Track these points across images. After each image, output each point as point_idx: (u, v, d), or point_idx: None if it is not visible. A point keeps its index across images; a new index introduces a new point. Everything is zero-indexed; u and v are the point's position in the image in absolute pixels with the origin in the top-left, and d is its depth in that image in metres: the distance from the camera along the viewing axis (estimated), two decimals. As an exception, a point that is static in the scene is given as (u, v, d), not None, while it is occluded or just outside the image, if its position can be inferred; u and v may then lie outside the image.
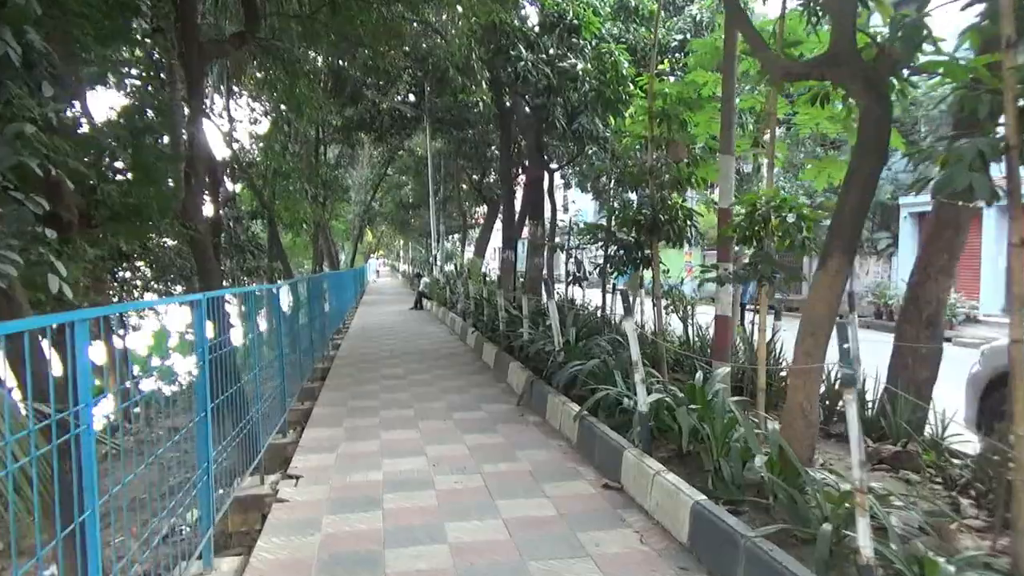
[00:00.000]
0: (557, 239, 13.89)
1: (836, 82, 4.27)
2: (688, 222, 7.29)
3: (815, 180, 7.54)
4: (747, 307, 11.39)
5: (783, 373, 6.73)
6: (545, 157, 13.56)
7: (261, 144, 18.36)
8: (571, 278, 10.65)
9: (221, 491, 5.31)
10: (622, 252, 7.68)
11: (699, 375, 5.47)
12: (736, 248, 11.67)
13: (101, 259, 8.90)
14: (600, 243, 8.16)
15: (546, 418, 6.85)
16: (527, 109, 12.92)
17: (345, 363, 11.28)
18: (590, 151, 11.33)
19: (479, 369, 10.10)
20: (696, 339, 8.48)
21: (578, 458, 5.57)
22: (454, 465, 5.42)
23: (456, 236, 40.03)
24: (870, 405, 5.79)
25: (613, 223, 7.94)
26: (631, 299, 8.58)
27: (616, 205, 8.35)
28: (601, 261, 12.28)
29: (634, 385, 5.02)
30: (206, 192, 8.39)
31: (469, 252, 33.97)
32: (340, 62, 22.33)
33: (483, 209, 33.91)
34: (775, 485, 3.76)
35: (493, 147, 23.74)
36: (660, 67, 8.66)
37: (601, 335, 8.53)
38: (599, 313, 9.90)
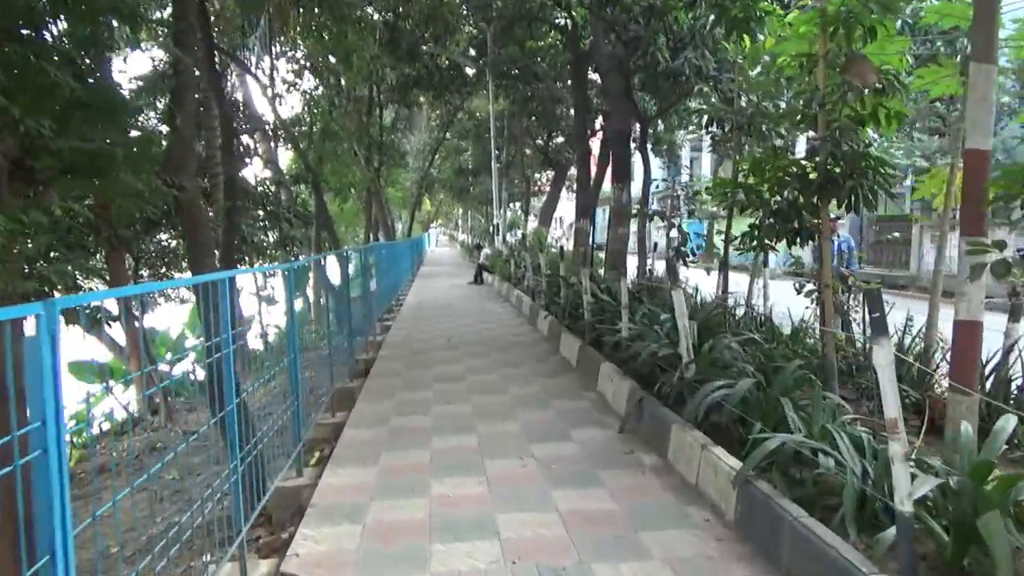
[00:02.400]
0: (654, 205, 11.58)
1: None
2: (879, 176, 4.97)
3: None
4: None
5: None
6: (636, 105, 11.21)
7: (304, 99, 16.49)
8: (672, 254, 8.40)
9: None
10: (771, 219, 5.40)
11: (965, 429, 3.24)
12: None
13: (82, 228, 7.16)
14: (727, 206, 5.91)
15: (668, 459, 4.72)
16: (613, 46, 10.59)
17: (393, 355, 9.35)
18: (701, 91, 9.00)
19: (558, 368, 8.01)
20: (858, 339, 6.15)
21: (747, 553, 3.41)
22: (546, 563, 3.35)
23: (518, 204, 37.88)
24: None
25: (752, 179, 5.66)
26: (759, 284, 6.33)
27: (757, 154, 6.05)
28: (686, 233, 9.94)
29: (884, 458, 2.85)
30: (208, 142, 6.52)
31: (532, 222, 31.89)
32: (394, 14, 20.32)
33: (547, 177, 31.69)
34: None
35: (563, 105, 21.42)
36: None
37: (726, 332, 6.34)
38: (716, 300, 7.68)
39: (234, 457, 3.53)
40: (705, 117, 8.51)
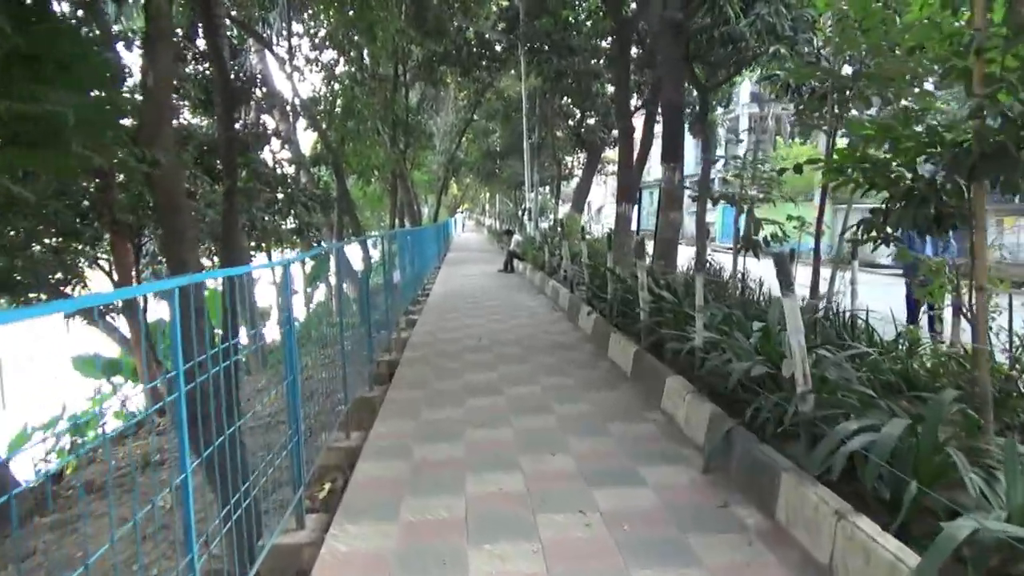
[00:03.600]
0: (716, 187, 10.32)
1: None
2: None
3: None
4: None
5: None
6: (695, 72, 9.93)
7: (325, 75, 15.39)
8: (740, 244, 7.22)
9: None
10: (902, 203, 4.19)
11: None
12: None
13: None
14: (836, 186, 4.69)
15: (777, 519, 3.58)
16: (666, 4, 9.32)
17: (419, 357, 8.29)
18: (776, 53, 7.71)
19: (609, 378, 6.88)
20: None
21: None
22: None
23: (547, 188, 36.55)
24: None
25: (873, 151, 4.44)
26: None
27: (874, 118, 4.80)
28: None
29: None
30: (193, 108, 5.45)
31: (562, 207, 30.71)
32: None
33: (579, 160, 30.41)
34: None
35: (599, 81, 20.12)
36: None
37: (818, 341, 5.18)
38: (808, 302, 6.47)
39: (189, 546, 2.47)
40: (780, 83, 7.29)
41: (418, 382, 6.96)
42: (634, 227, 14.39)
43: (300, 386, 3.90)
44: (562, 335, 9.33)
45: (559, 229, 14.94)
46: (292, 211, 10.65)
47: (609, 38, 18.92)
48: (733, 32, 9.06)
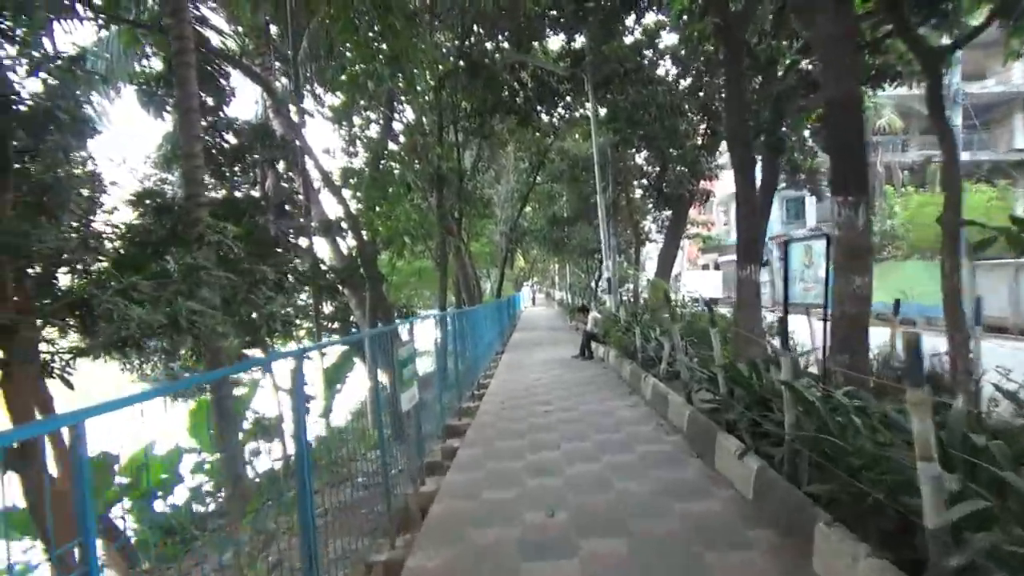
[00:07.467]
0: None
1: None
2: None
3: None
4: None
5: None
6: (909, 26, 6.05)
7: (337, 122, 12.23)
8: None
9: None
10: None
11: None
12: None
13: None
14: None
15: None
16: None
17: (444, 557, 4.43)
18: None
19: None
20: None
21: None
22: None
23: (621, 256, 32.57)
24: None
25: None
26: None
27: None
28: None
29: None
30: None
31: (643, 276, 26.86)
32: (462, 29, 16.29)
33: (660, 223, 26.56)
34: None
35: (685, 120, 16.52)
36: None
37: None
38: None
39: None
40: None
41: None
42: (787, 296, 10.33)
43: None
44: (700, 500, 5.30)
45: (668, 303, 11.00)
46: (253, 294, 7.28)
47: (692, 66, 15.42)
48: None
